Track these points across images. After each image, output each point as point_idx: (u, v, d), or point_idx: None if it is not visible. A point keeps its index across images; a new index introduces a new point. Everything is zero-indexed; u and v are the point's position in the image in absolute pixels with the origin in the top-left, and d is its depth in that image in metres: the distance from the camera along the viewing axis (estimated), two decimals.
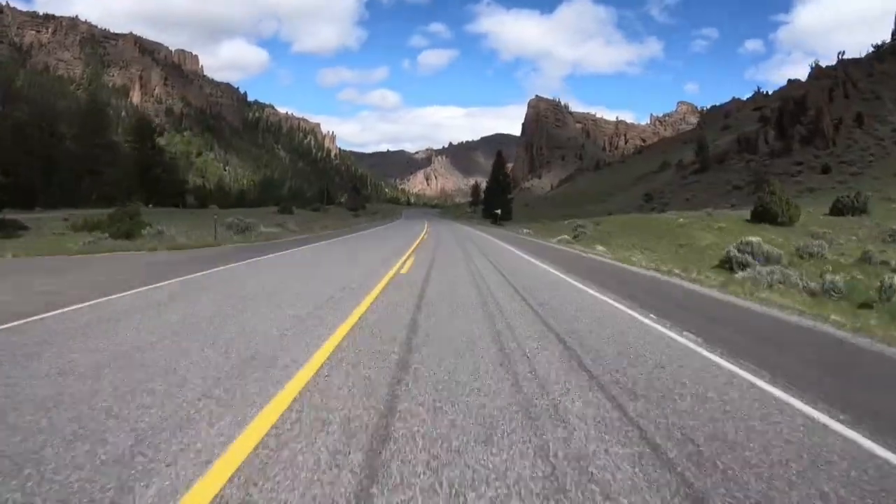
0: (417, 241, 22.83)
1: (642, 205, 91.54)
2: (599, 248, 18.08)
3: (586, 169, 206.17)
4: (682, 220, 30.00)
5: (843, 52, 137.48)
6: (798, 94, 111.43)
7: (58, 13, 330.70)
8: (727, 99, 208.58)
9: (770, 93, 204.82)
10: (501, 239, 26.01)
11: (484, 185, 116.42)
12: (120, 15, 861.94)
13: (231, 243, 19.78)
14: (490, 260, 15.89)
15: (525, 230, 36.89)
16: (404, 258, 14.86)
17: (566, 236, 23.25)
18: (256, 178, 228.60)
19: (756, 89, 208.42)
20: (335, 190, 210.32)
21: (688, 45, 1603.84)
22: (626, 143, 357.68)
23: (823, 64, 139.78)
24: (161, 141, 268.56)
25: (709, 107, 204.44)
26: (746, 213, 37.36)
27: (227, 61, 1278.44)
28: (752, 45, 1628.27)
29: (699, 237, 23.97)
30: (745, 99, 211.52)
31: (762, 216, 34.22)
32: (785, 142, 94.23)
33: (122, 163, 53.76)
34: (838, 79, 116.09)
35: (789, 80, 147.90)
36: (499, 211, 69.87)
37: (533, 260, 16.58)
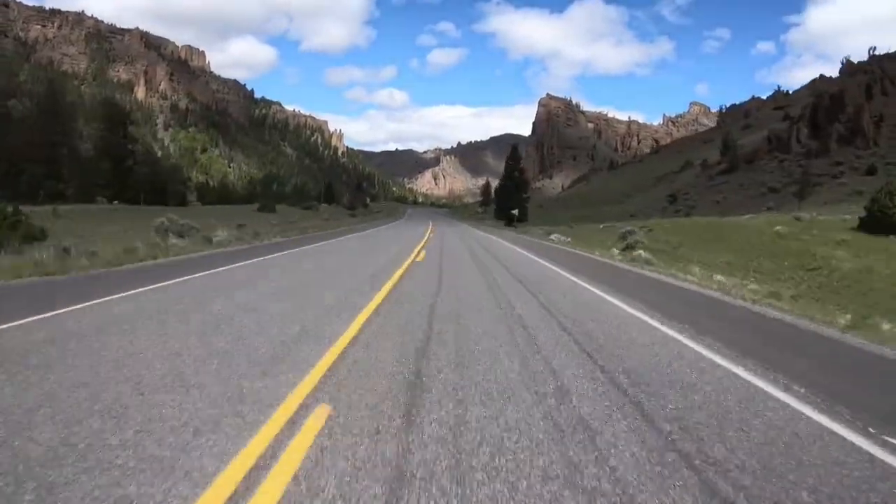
0: (408, 262, 13.00)
1: (666, 206, 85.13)
2: (718, 277, 10.94)
3: (600, 169, 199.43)
4: (780, 227, 22.56)
5: (874, 47, 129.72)
6: (832, 90, 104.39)
7: (66, 8, 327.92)
8: (738, 101, 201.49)
9: (790, 92, 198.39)
10: (539, 254, 17.49)
11: (495, 184, 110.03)
12: (129, 11, 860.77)
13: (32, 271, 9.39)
14: (580, 343, 5.94)
15: (556, 236, 29.27)
16: (342, 341, 5.41)
17: (640, 252, 16.35)
18: (260, 176, 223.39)
19: (776, 88, 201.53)
20: (341, 188, 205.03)
21: (699, 45, 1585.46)
22: (638, 143, 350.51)
23: (835, 65, 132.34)
24: (165, 136, 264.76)
25: (728, 105, 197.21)
26: (834, 216, 30.12)
27: (236, 59, 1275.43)
28: (764, 46, 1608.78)
29: (826, 255, 17.10)
30: (765, 98, 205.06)
31: (879, 224, 26.68)
32: (821, 141, 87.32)
33: (97, 155, 48.11)
34: (874, 75, 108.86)
35: (821, 76, 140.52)
36: (516, 211, 62.55)
37: (686, 341, 6.33)
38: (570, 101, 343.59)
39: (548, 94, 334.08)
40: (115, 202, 39.81)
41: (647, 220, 78.90)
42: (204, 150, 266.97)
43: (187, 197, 63.92)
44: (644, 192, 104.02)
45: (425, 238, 25.15)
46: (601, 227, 34.58)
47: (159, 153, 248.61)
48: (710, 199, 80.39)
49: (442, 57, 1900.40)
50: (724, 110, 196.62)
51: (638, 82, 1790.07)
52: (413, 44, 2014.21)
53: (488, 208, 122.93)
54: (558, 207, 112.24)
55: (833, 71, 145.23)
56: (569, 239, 25.43)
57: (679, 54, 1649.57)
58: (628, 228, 24.57)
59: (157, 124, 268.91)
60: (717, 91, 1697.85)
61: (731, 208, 72.81)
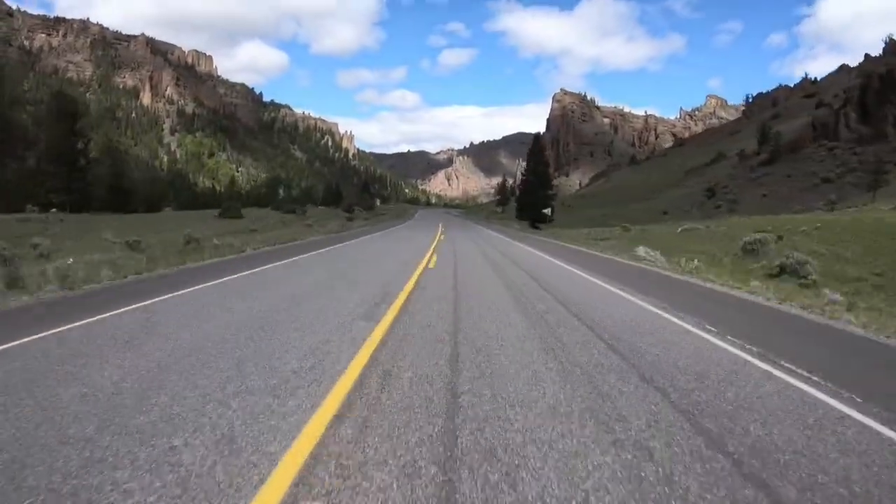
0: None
1: (703, 201, 76.81)
2: None
3: (619, 164, 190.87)
4: None
5: None
6: (879, 70, 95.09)
7: (75, 16, 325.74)
8: (754, 94, 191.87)
9: (818, 79, 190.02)
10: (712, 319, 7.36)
11: (513, 182, 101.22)
12: (137, 19, 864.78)
13: None
14: None
15: (644, 249, 17.99)
16: None
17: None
18: (266, 180, 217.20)
19: (804, 76, 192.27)
20: (351, 190, 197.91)
21: (711, 40, 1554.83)
22: (656, 138, 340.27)
23: (848, 56, 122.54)
24: (172, 141, 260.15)
25: (754, 95, 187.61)
26: None
27: (246, 64, 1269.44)
28: (777, 39, 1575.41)
29: None
30: (792, 86, 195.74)
31: None
32: (875, 126, 78.41)
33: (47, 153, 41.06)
34: None
35: (866, 56, 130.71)
36: (549, 210, 52.18)
37: None
38: (585, 95, 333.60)
39: (562, 90, 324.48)
40: (53, 210, 32.82)
41: (687, 217, 70.52)
42: (211, 155, 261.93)
43: (146, 202, 55.12)
44: (674, 186, 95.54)
45: (427, 257, 15.82)
46: (679, 230, 25.55)
47: (165, 158, 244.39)
48: (754, 193, 71.98)
49: (452, 57, 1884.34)
50: (750, 100, 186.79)
51: (650, 78, 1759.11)
52: (423, 44, 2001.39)
53: (506, 207, 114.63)
54: (582, 205, 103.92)
55: (843, 60, 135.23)
56: (696, 263, 14.33)
57: (691, 49, 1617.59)
58: (756, 237, 15.54)
59: (163, 129, 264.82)
60: (731, 85, 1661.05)
61: (781, 202, 64.59)
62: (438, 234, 32.05)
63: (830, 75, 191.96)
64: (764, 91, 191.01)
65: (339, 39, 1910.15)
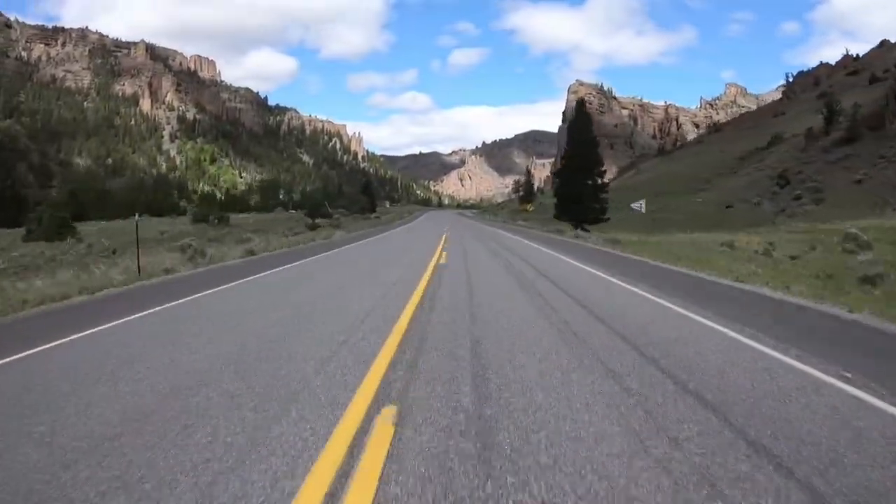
0: None
1: (775, 191, 62.79)
2: None
3: (646, 155, 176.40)
4: None
5: None
6: None
7: (74, 26, 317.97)
8: (772, 83, 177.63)
9: (859, 55, 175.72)
10: None
11: (537, 173, 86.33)
12: (141, 30, 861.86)
13: None
14: None
15: None
16: None
17: None
18: (263, 184, 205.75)
19: (845, 51, 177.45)
20: (357, 192, 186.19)
21: (723, 30, 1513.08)
22: (678, 128, 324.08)
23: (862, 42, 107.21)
24: (171, 148, 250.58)
25: (794, 74, 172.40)
26: None
27: (255, 72, 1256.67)
28: (790, 27, 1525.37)
29: None
30: (833, 64, 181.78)
31: None
32: None
33: None
34: None
35: None
36: (642, 203, 30.54)
37: None
38: (602, 86, 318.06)
39: (577, 81, 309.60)
40: None
41: (756, 210, 56.64)
42: (213, 161, 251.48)
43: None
44: (727, 175, 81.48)
45: None
46: None
47: (164, 165, 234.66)
48: (842, 179, 57.66)
49: (462, 57, 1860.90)
50: (790, 79, 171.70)
51: (664, 71, 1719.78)
52: (433, 45, 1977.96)
53: (537, 204, 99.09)
54: (619, 200, 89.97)
55: (853, 46, 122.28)
56: None
57: (703, 41, 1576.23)
58: None
59: (162, 136, 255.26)
60: (746, 75, 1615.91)
61: (886, 189, 50.56)
62: (433, 264, 14.34)
63: (872, 50, 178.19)
64: (786, 73, 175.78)
65: (347, 43, 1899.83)
